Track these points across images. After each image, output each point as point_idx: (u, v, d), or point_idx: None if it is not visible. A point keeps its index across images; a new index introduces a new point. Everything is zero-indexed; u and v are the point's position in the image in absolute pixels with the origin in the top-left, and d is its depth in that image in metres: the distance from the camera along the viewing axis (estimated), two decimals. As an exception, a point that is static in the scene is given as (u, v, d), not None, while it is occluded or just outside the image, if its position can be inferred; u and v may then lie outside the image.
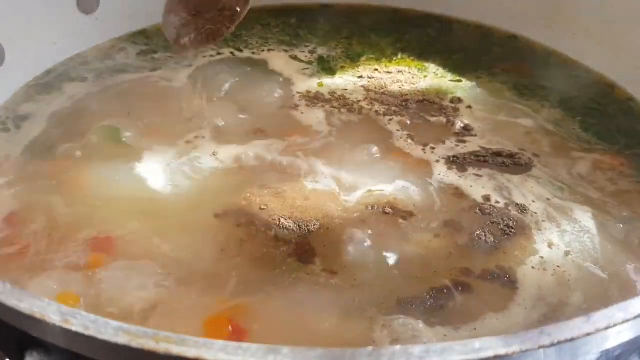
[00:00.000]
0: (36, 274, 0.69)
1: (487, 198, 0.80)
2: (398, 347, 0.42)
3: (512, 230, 0.76)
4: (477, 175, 0.84)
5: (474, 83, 1.02)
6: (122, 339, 0.43)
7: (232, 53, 1.07)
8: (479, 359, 0.42)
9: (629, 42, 0.99)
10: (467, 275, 0.71)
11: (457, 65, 1.05)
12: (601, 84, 1.02)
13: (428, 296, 0.68)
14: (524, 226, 0.77)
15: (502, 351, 0.42)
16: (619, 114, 0.96)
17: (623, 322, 0.45)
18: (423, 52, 1.08)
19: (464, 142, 0.89)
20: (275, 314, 0.66)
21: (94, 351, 0.45)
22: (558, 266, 0.72)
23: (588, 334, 0.44)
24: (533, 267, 0.72)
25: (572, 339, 0.44)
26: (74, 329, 0.44)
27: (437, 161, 0.86)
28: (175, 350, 0.42)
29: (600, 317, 0.45)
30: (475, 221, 0.77)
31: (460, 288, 0.69)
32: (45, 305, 0.45)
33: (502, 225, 0.76)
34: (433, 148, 0.88)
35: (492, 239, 0.75)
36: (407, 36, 1.12)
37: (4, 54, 0.94)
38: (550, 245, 0.74)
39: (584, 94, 0.99)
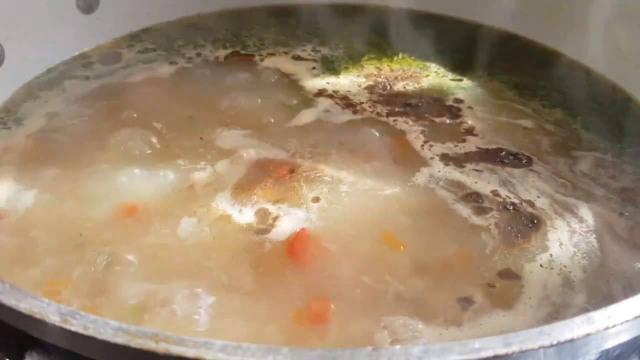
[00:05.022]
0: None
1: (496, 193, 0.81)
2: (397, 347, 0.42)
3: (530, 226, 0.76)
4: (477, 170, 0.84)
5: (475, 83, 1.02)
6: (121, 339, 0.43)
7: (234, 53, 1.07)
8: (479, 359, 0.42)
9: (629, 42, 0.99)
10: (492, 273, 0.71)
11: (458, 65, 1.05)
12: (601, 83, 1.02)
13: (456, 296, 0.69)
14: (539, 223, 0.77)
15: (501, 351, 0.42)
16: (618, 113, 0.96)
17: (622, 322, 0.46)
18: (423, 52, 1.08)
19: (465, 141, 0.89)
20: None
21: (94, 351, 0.45)
22: (564, 266, 0.73)
23: (588, 334, 0.44)
24: (541, 265, 0.72)
25: (571, 339, 0.44)
26: (73, 329, 0.44)
27: (439, 159, 0.86)
28: (175, 350, 0.42)
29: (600, 317, 0.45)
30: (491, 218, 0.77)
31: (486, 285, 0.70)
32: (45, 306, 0.45)
33: (521, 222, 0.77)
34: (435, 147, 0.88)
35: (514, 235, 0.75)
36: (407, 36, 1.12)
37: (4, 53, 0.94)
38: (560, 245, 0.75)
39: (583, 93, 0.99)
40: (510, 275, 0.71)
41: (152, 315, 0.65)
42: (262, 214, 0.77)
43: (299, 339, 0.64)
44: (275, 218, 0.76)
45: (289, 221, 0.76)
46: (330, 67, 1.05)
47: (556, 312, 0.68)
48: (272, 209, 0.77)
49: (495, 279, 0.71)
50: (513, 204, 0.80)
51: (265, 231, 0.75)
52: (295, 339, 0.64)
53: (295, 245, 0.72)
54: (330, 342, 0.63)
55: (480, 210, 0.79)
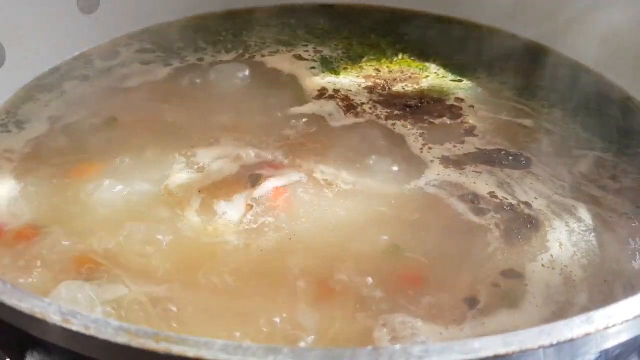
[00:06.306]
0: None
1: (493, 195, 0.81)
2: (398, 346, 0.42)
3: (529, 227, 0.77)
4: (477, 172, 0.84)
5: (474, 83, 1.02)
6: (122, 339, 0.43)
7: (234, 54, 1.07)
8: (479, 359, 0.42)
9: (628, 42, 0.99)
10: (494, 272, 0.72)
11: (458, 66, 1.05)
12: (601, 84, 1.02)
13: (460, 295, 0.69)
14: (537, 224, 0.77)
15: (501, 351, 0.43)
16: (618, 113, 0.96)
17: (622, 322, 0.46)
18: (423, 52, 1.08)
19: (464, 142, 0.89)
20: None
21: (95, 351, 0.45)
22: (565, 266, 0.73)
23: (587, 334, 0.45)
24: (543, 265, 0.73)
25: (571, 339, 0.44)
26: (74, 328, 0.44)
27: (439, 162, 0.86)
28: (176, 349, 0.42)
29: (600, 317, 0.45)
30: (489, 219, 0.77)
31: (487, 285, 0.70)
32: (46, 306, 0.45)
33: (520, 222, 0.77)
34: (435, 150, 0.88)
35: (516, 236, 0.75)
36: (407, 36, 1.12)
37: (5, 54, 0.94)
38: (560, 245, 0.75)
39: (583, 94, 0.99)
40: (513, 274, 0.71)
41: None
42: (261, 213, 0.77)
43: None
44: (275, 217, 0.77)
45: (288, 221, 0.76)
46: (332, 67, 1.05)
47: (560, 310, 0.68)
48: (270, 208, 0.78)
49: (499, 279, 0.71)
50: (511, 205, 0.80)
51: (263, 228, 0.76)
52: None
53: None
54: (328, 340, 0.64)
55: (479, 211, 0.78)
